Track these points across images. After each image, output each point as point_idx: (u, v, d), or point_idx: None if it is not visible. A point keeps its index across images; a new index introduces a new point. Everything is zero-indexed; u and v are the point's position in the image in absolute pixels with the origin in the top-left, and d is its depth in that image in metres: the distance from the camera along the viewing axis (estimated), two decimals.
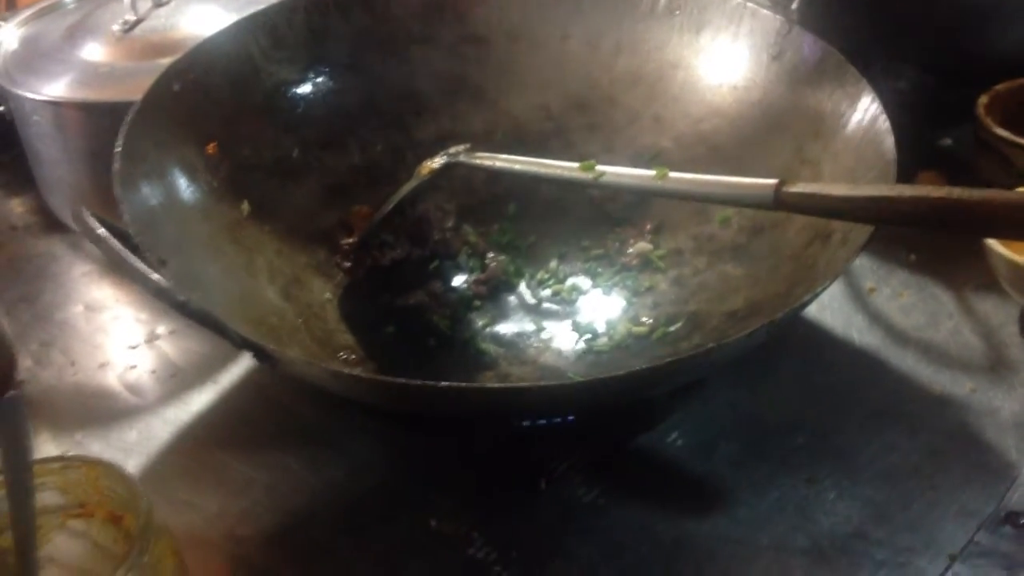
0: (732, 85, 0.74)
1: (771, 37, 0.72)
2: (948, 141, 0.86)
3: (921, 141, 0.83)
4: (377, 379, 0.51)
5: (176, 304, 0.50)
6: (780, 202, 0.55)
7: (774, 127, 0.70)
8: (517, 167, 0.66)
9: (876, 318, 0.69)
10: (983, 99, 0.77)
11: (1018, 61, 0.79)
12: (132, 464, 0.62)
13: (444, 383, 0.46)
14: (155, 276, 0.50)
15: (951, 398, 0.62)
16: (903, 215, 0.51)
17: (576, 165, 0.63)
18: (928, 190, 0.50)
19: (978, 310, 0.69)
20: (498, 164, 0.67)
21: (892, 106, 0.63)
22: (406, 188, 0.69)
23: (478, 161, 0.68)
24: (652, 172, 0.60)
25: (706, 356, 0.50)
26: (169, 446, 0.64)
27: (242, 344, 0.51)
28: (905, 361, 0.65)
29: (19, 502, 0.42)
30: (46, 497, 0.45)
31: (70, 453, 0.63)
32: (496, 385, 0.54)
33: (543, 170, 0.65)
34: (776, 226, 0.66)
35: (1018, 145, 0.72)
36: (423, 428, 0.60)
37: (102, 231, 0.51)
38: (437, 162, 0.69)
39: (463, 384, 0.48)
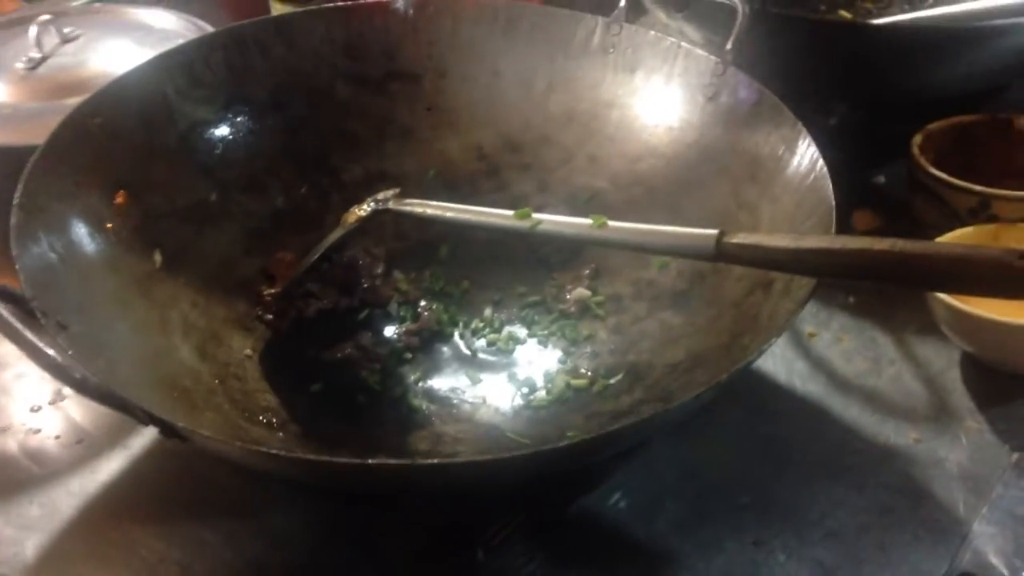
0: (668, 125, 0.72)
1: (705, 78, 0.71)
2: (881, 178, 0.86)
3: (854, 179, 0.83)
4: (298, 457, 0.47)
5: (73, 382, 0.45)
6: (721, 253, 0.53)
7: (711, 169, 0.69)
8: (449, 214, 0.63)
9: (818, 364, 0.67)
10: (917, 138, 0.76)
11: (951, 99, 0.80)
12: (33, 543, 0.57)
13: (371, 461, 0.43)
14: (50, 351, 0.46)
15: (896, 449, 0.61)
16: (846, 268, 0.50)
17: (511, 213, 0.61)
18: (870, 242, 0.49)
19: (919, 355, 0.68)
20: (429, 211, 0.64)
21: (824, 143, 0.62)
22: (332, 237, 0.66)
23: (408, 208, 0.65)
24: (590, 221, 0.58)
25: (650, 421, 0.48)
26: (74, 521, 0.59)
27: (149, 421, 0.47)
28: (848, 410, 0.64)
29: None
30: None
31: None
32: (428, 462, 0.50)
33: (476, 218, 0.63)
34: (716, 272, 0.64)
35: (952, 185, 0.72)
36: (350, 497, 0.57)
37: None
38: (365, 209, 0.66)
39: (392, 461, 0.45)
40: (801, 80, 0.82)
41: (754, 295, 0.60)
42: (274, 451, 0.46)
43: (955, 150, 0.78)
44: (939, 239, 0.67)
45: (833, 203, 0.58)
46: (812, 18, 0.93)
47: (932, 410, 0.63)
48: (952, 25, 0.81)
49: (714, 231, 0.54)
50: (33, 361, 0.47)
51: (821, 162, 0.61)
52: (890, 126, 0.84)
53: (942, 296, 0.63)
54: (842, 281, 0.61)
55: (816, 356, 0.68)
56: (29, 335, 0.46)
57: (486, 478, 0.48)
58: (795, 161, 0.63)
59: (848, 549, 0.54)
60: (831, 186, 0.59)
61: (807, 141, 0.62)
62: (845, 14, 1.02)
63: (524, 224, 0.60)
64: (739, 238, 0.53)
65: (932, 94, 0.82)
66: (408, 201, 0.66)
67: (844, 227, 0.65)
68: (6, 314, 0.46)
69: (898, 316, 0.70)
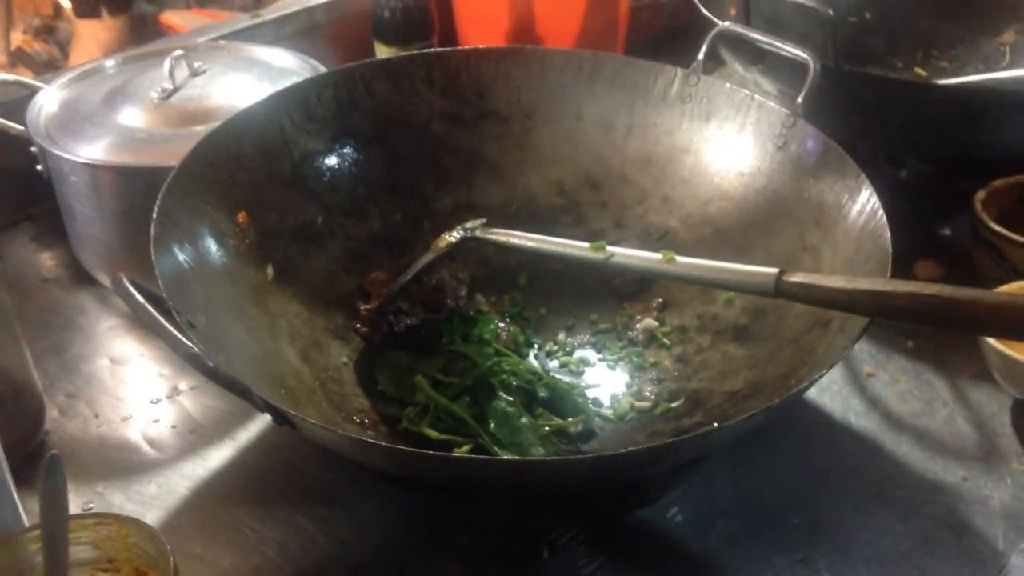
0: (739, 171, 0.77)
1: (776, 128, 0.75)
2: (947, 231, 0.88)
3: (920, 230, 0.86)
4: (390, 447, 0.53)
5: (206, 369, 0.52)
6: (781, 291, 0.58)
7: (778, 214, 0.73)
8: (530, 244, 0.69)
9: (873, 403, 0.71)
10: (980, 195, 0.80)
11: (1015, 157, 0.83)
12: (150, 517, 0.64)
13: (454, 454, 0.49)
14: (187, 341, 0.53)
15: (943, 485, 0.64)
16: (897, 310, 0.54)
17: (587, 245, 0.66)
18: (921, 287, 0.53)
19: (972, 399, 0.71)
20: (512, 240, 0.70)
21: (893, 195, 0.66)
22: (424, 260, 0.72)
23: (493, 236, 0.71)
24: (659, 255, 0.64)
25: (704, 437, 0.52)
26: (186, 500, 0.66)
27: (265, 408, 0.53)
28: (900, 446, 0.67)
29: (54, 554, 0.44)
30: (78, 551, 0.47)
31: (91, 505, 0.65)
32: (503, 458, 0.56)
33: (554, 248, 0.69)
34: (777, 309, 0.69)
35: (1012, 241, 0.75)
36: (429, 495, 0.63)
37: (138, 298, 0.54)
38: (454, 236, 0.72)
39: (471, 456, 0.50)
40: (870, 134, 0.86)
41: (812, 332, 0.64)
42: (365, 439, 0.53)
43: (1018, 207, 0.81)
44: (996, 290, 0.70)
45: (890, 249, 0.62)
46: (882, 77, 0.97)
47: (981, 451, 0.66)
48: (1018, 88, 0.84)
49: (774, 270, 0.58)
50: (173, 350, 0.54)
51: (881, 211, 0.64)
52: (956, 181, 0.87)
53: (995, 343, 0.66)
54: (893, 322, 0.65)
55: (872, 395, 0.72)
56: (171, 328, 0.53)
57: (553, 477, 0.53)
58: (856, 209, 0.67)
59: (890, 573, 0.58)
60: (889, 234, 0.63)
61: (869, 191, 0.66)
62: (920, 72, 1.06)
63: (599, 256, 0.66)
64: (798, 277, 0.57)
65: (998, 153, 0.85)
66: (493, 230, 0.72)
67: (908, 276, 0.68)
68: (152, 311, 0.54)
69: (954, 361, 0.74)
